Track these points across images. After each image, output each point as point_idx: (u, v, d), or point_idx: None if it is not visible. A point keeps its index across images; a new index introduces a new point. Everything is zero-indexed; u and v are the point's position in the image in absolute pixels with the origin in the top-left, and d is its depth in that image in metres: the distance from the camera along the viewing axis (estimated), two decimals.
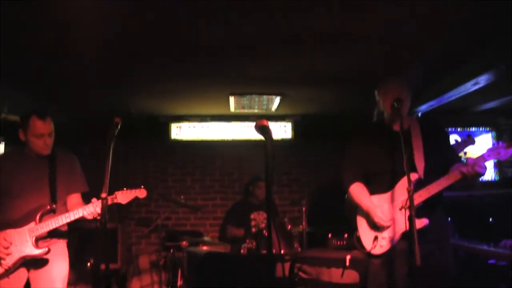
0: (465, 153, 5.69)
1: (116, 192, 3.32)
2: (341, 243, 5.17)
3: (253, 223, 5.61)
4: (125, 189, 3.35)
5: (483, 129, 6.55)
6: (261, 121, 2.27)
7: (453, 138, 5.47)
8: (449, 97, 4.61)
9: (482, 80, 3.94)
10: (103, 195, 2.62)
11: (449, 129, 6.45)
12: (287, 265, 4.19)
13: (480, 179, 6.35)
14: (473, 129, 6.56)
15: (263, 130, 2.22)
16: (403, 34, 3.18)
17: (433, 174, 2.95)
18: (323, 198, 6.37)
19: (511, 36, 3.12)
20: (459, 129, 6.51)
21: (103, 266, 4.74)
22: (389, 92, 3.06)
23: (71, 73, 4.05)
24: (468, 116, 6.19)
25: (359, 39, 3.30)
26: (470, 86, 4.13)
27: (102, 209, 2.61)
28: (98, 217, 3.11)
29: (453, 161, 3.04)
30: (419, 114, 5.44)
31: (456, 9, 2.77)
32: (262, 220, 5.62)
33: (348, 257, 3.95)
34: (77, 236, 3.68)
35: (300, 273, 4.11)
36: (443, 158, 3.06)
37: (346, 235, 5.24)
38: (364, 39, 3.30)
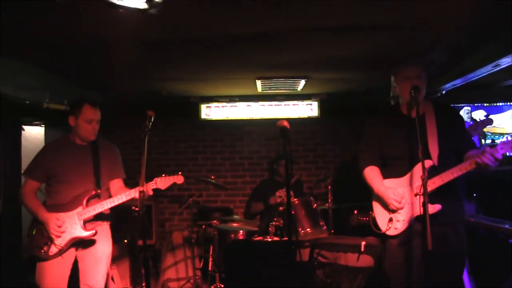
0: (484, 131, 5.73)
1: (156, 179, 3.57)
2: (365, 219, 5.38)
3: (279, 200, 5.82)
4: (163, 175, 3.60)
5: (510, 103, 6.50)
6: (281, 122, 2.43)
7: (472, 118, 5.50)
8: (471, 77, 4.64)
9: (503, 63, 3.98)
10: (140, 188, 2.86)
11: (475, 105, 6.45)
12: (307, 251, 4.43)
13: (507, 153, 6.36)
14: (500, 104, 6.52)
15: (283, 131, 2.38)
16: (424, 19, 3.21)
17: (447, 160, 3.07)
18: (349, 175, 6.50)
19: None
20: (485, 104, 6.49)
21: (140, 242, 5.13)
22: (406, 79, 3.16)
23: (108, 62, 4.25)
24: (494, 91, 6.12)
25: (382, 27, 3.35)
26: (490, 68, 4.16)
27: (139, 201, 2.86)
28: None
29: (468, 146, 3.15)
30: (443, 92, 5.49)
31: None
32: None
33: (363, 243, 4.16)
34: (114, 215, 3.98)
35: (319, 258, 4.33)
36: (458, 144, 3.16)
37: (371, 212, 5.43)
38: (386, 27, 3.35)
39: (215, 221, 5.04)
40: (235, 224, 5.34)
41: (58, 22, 2.94)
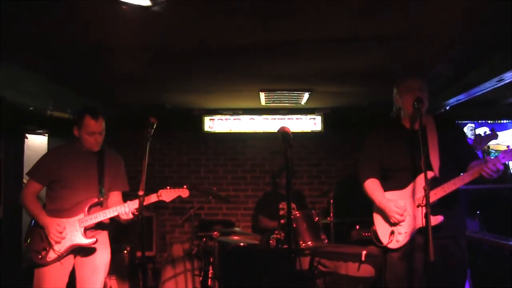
0: (488, 147, 5.72)
1: (161, 191, 3.58)
2: (366, 234, 5.33)
3: (281, 212, 5.79)
4: (168, 188, 3.60)
5: None
6: (283, 128, 2.45)
7: (477, 132, 5.49)
8: (475, 92, 4.63)
9: (507, 77, 3.97)
10: (140, 193, 2.86)
11: (479, 122, 6.44)
12: (307, 259, 4.39)
13: (510, 171, 6.34)
14: (504, 121, 6.51)
15: (285, 136, 2.39)
16: (428, 33, 3.24)
17: (448, 172, 3.04)
18: (352, 189, 6.47)
19: None
20: (489, 122, 6.48)
21: (139, 254, 5.09)
22: (409, 91, 3.15)
23: (111, 71, 4.29)
24: (498, 108, 6.11)
25: (386, 39, 3.36)
26: (494, 83, 4.15)
27: (139, 206, 2.85)
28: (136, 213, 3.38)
29: (470, 158, 3.12)
30: (447, 108, 5.48)
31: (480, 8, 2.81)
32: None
33: (364, 252, 4.11)
34: (113, 225, 3.95)
35: (319, 266, 4.29)
36: (459, 156, 3.14)
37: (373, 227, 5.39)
38: (391, 39, 3.36)
39: (215, 233, 5.00)
40: (236, 237, 5.30)
41: (60, 20, 2.91)
